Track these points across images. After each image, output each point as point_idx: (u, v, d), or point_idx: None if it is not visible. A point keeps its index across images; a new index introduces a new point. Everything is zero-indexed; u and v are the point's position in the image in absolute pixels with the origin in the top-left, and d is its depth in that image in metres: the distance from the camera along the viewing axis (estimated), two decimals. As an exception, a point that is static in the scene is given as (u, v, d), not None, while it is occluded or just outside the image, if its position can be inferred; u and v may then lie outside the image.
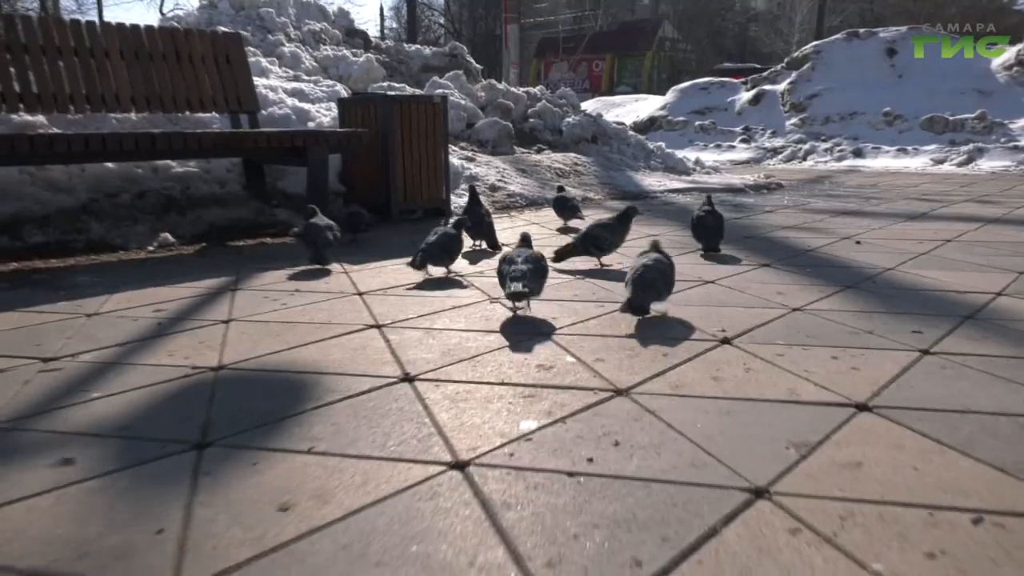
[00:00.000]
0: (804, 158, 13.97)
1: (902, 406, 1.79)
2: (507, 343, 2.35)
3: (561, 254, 3.62)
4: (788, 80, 16.82)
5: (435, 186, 5.70)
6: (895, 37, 16.29)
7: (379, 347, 2.32)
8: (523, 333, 2.46)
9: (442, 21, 58.02)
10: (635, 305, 2.48)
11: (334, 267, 3.69)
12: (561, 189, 5.75)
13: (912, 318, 2.60)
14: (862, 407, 1.79)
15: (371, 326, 2.56)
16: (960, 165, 11.99)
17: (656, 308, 2.61)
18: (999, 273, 3.42)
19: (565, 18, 51.39)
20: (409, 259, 3.39)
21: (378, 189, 5.49)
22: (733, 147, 15.31)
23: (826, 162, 13.50)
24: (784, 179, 9.72)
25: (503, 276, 2.64)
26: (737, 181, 8.59)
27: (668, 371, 2.06)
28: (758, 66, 25.23)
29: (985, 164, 11.75)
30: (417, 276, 3.43)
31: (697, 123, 16.59)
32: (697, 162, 9.80)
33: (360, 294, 3.09)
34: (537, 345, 2.32)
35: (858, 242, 4.37)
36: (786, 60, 18.25)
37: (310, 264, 3.66)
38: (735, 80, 18.66)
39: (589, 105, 19.89)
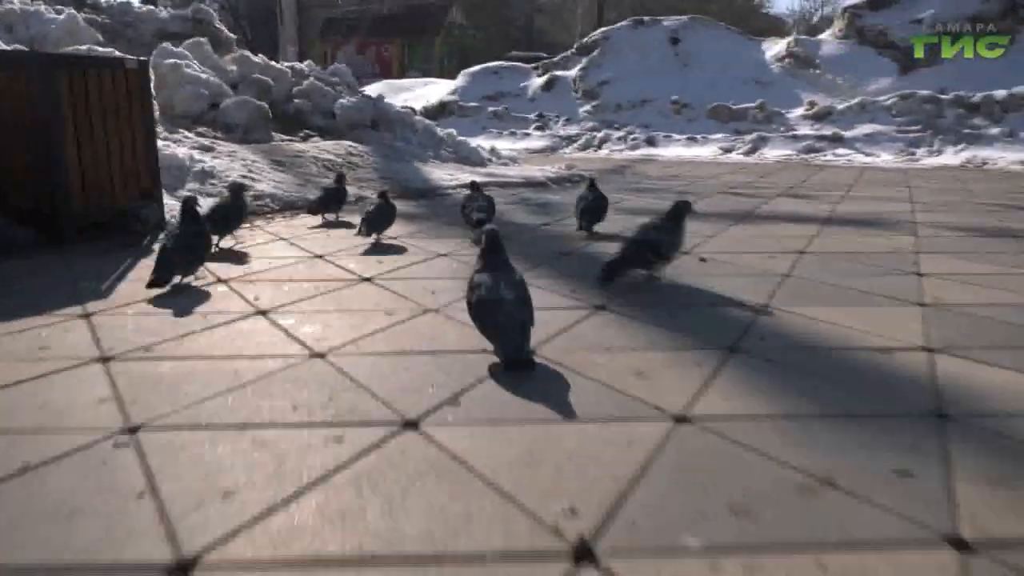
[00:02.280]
0: (599, 146, 13.51)
1: None
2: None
3: (612, 268, 2.75)
4: (579, 66, 16.40)
5: (136, 185, 4.02)
6: (677, 26, 16.41)
7: None
8: (138, 568, 1.06)
9: (215, -6, 52.82)
10: None
11: None
12: (340, 179, 4.69)
13: (865, 427, 1.55)
14: None
15: None
16: (747, 154, 12.03)
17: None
18: (896, 307, 2.55)
19: (350, -3, 48.92)
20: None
21: (39, 190, 3.72)
22: (528, 135, 14.55)
23: (621, 150, 13.11)
24: (585, 169, 8.94)
25: None
26: (538, 173, 7.59)
27: None
28: (546, 56, 24.99)
29: (769, 152, 11.87)
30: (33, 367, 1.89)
31: (490, 109, 15.65)
32: (493, 152, 8.72)
33: None
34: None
35: (703, 259, 3.40)
36: (575, 46, 17.89)
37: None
38: (526, 65, 18.01)
39: (375, 89, 18.37)
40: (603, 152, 13.14)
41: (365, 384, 1.78)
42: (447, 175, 6.91)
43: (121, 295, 2.70)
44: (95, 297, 2.65)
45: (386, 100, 9.36)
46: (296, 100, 7.98)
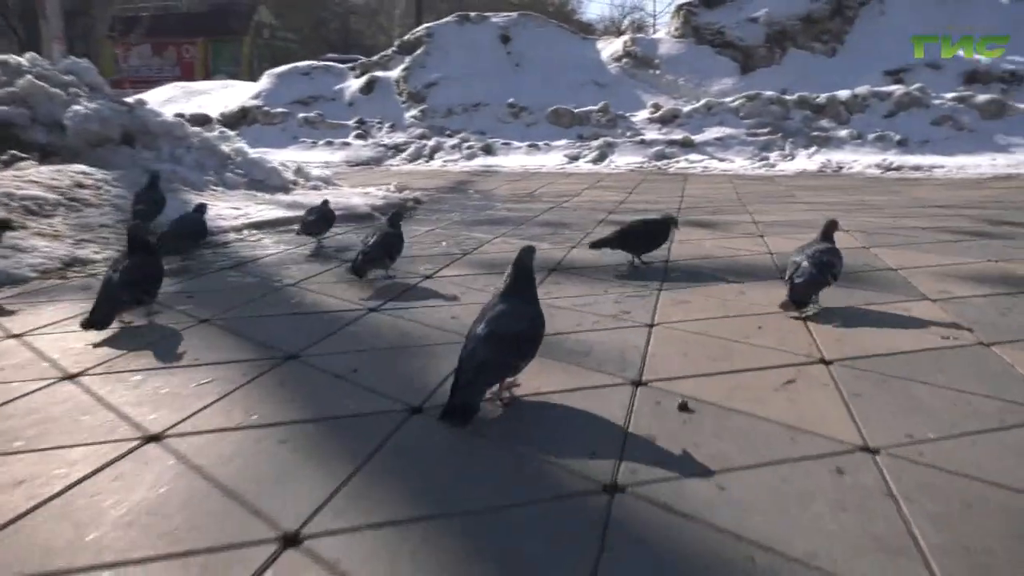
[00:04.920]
0: (431, 156, 11.85)
1: None
2: None
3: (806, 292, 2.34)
4: (402, 66, 14.65)
5: None
6: (507, 23, 15.11)
7: None
8: None
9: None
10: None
11: None
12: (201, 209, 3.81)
13: None
14: None
15: None
16: (595, 162, 10.89)
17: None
18: None
19: (140, -8, 43.66)
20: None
21: None
22: (348, 144, 12.58)
23: (456, 161, 11.52)
24: (419, 187, 7.25)
25: None
26: (360, 200, 5.76)
27: None
28: (363, 58, 23.00)
29: (619, 160, 10.80)
30: None
31: (301, 115, 13.49)
32: (299, 172, 6.76)
33: None
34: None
35: (685, 406, 1.78)
36: (397, 43, 16.11)
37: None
38: (342, 66, 15.97)
39: (162, 93, 15.61)
40: (436, 163, 11.49)
41: None
42: (231, 210, 4.94)
43: None
44: None
45: (173, 106, 7.16)
46: (5, 107, 5.61)
